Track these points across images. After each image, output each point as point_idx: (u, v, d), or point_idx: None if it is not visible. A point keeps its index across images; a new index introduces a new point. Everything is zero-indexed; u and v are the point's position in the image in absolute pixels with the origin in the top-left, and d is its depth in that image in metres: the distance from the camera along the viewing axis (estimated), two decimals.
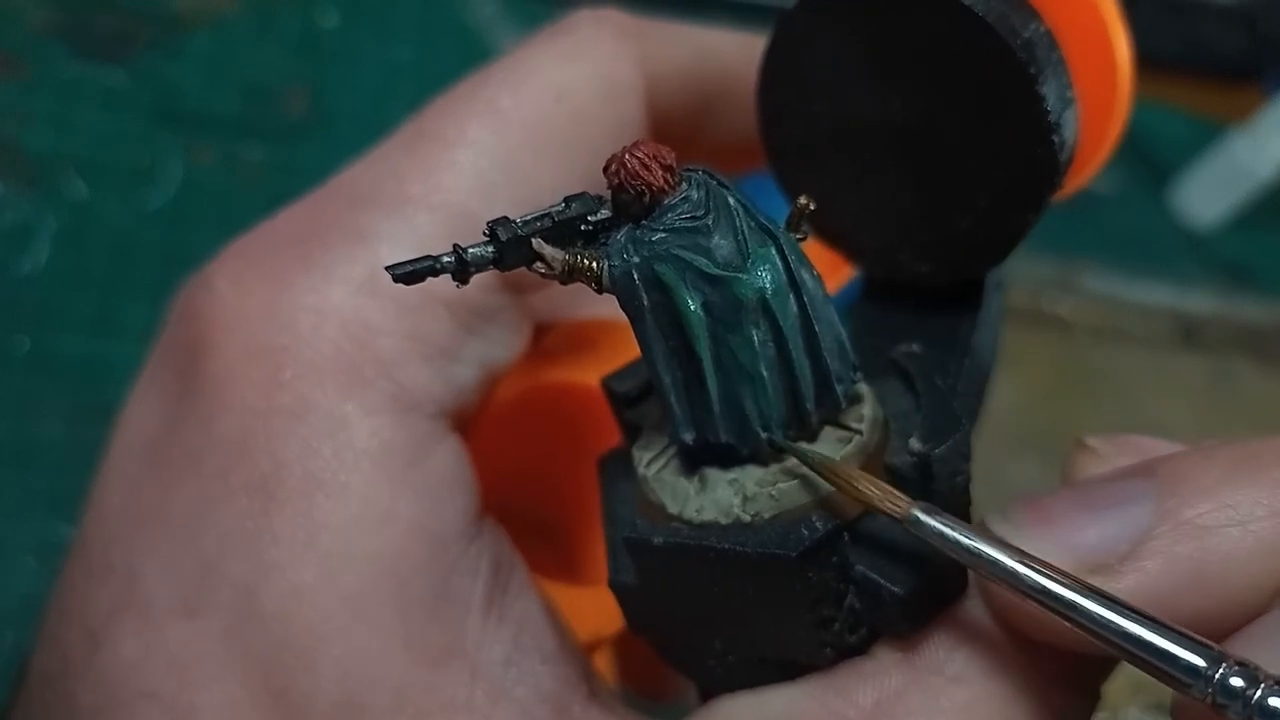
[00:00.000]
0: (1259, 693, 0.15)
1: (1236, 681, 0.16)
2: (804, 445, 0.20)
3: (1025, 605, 0.18)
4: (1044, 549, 0.18)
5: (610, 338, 0.30)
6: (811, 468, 0.19)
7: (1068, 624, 0.17)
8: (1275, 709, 0.15)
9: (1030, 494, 0.20)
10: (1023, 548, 0.18)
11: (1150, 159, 0.75)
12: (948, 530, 0.18)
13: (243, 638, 0.21)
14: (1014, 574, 0.17)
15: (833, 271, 0.26)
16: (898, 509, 0.18)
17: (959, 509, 0.20)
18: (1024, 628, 0.19)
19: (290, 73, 0.62)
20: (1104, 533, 0.18)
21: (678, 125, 0.28)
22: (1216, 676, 0.16)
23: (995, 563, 0.18)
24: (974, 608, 0.20)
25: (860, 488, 0.19)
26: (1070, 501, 0.19)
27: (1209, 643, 0.16)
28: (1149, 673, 0.17)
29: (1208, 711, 0.16)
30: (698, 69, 0.27)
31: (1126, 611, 0.17)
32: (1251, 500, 0.18)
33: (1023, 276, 0.67)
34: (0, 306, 0.51)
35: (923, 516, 0.18)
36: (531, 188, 0.24)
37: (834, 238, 0.25)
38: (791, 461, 0.20)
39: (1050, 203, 0.22)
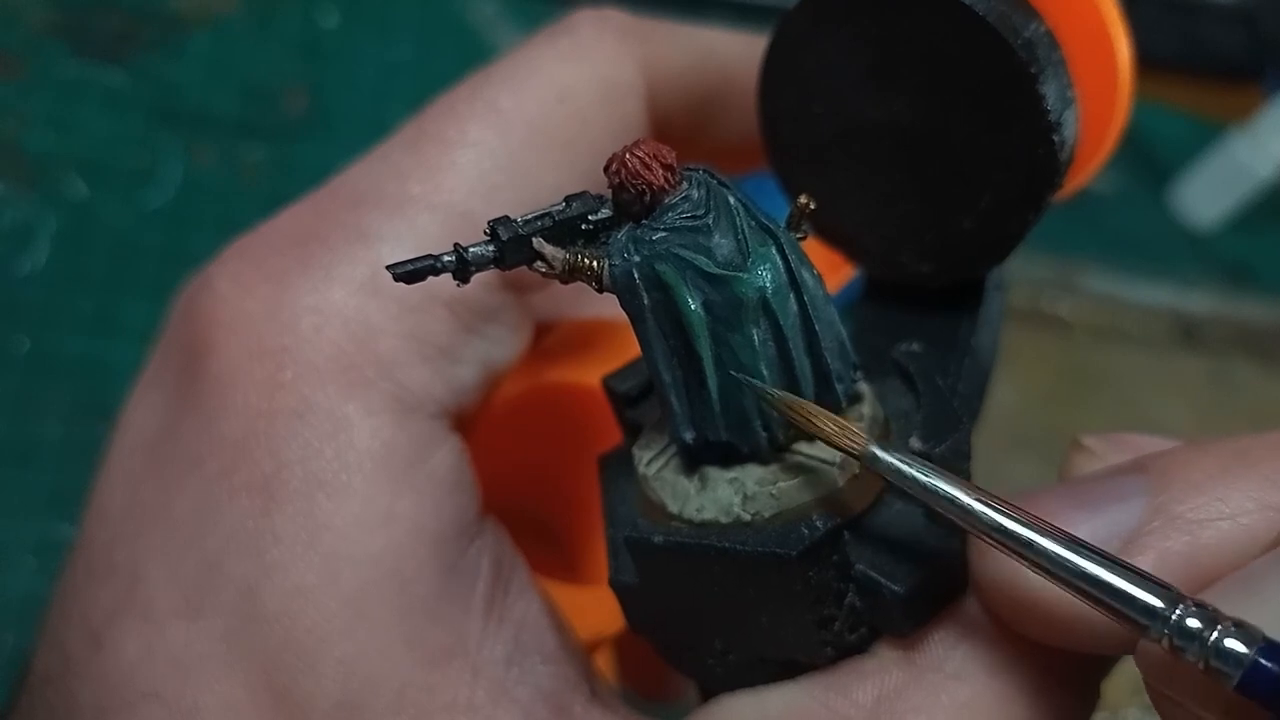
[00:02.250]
0: (1215, 634, 0.15)
1: (1194, 623, 0.15)
2: (759, 383, 0.20)
3: (1015, 592, 0.18)
4: None
5: (611, 337, 0.30)
6: (769, 402, 0.19)
7: (1026, 565, 0.17)
8: (1232, 650, 0.15)
9: (1024, 491, 0.20)
10: None
11: (1150, 159, 0.75)
12: (904, 466, 0.18)
13: (244, 638, 0.21)
14: (970, 510, 0.17)
15: (833, 271, 0.26)
16: (855, 445, 0.18)
17: None
18: (1018, 624, 0.19)
19: (290, 73, 0.62)
20: (1096, 529, 0.18)
21: (679, 125, 0.28)
22: (1174, 618, 0.16)
23: (951, 499, 0.17)
24: (974, 605, 0.20)
25: (817, 423, 0.19)
26: (1063, 498, 0.19)
27: (1167, 583, 0.16)
28: (1107, 614, 0.16)
29: (1167, 655, 0.16)
30: (699, 69, 0.27)
31: (1084, 550, 0.17)
32: (1242, 495, 0.18)
33: (1023, 276, 0.67)
34: (0, 306, 0.51)
35: (879, 452, 0.18)
36: (533, 188, 0.24)
37: (835, 238, 0.25)
38: (791, 460, 0.20)
39: (1050, 202, 0.22)
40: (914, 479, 0.18)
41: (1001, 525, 0.17)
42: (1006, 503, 0.17)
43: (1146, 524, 0.18)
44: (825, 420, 0.18)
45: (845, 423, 0.18)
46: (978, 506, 0.17)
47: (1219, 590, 0.17)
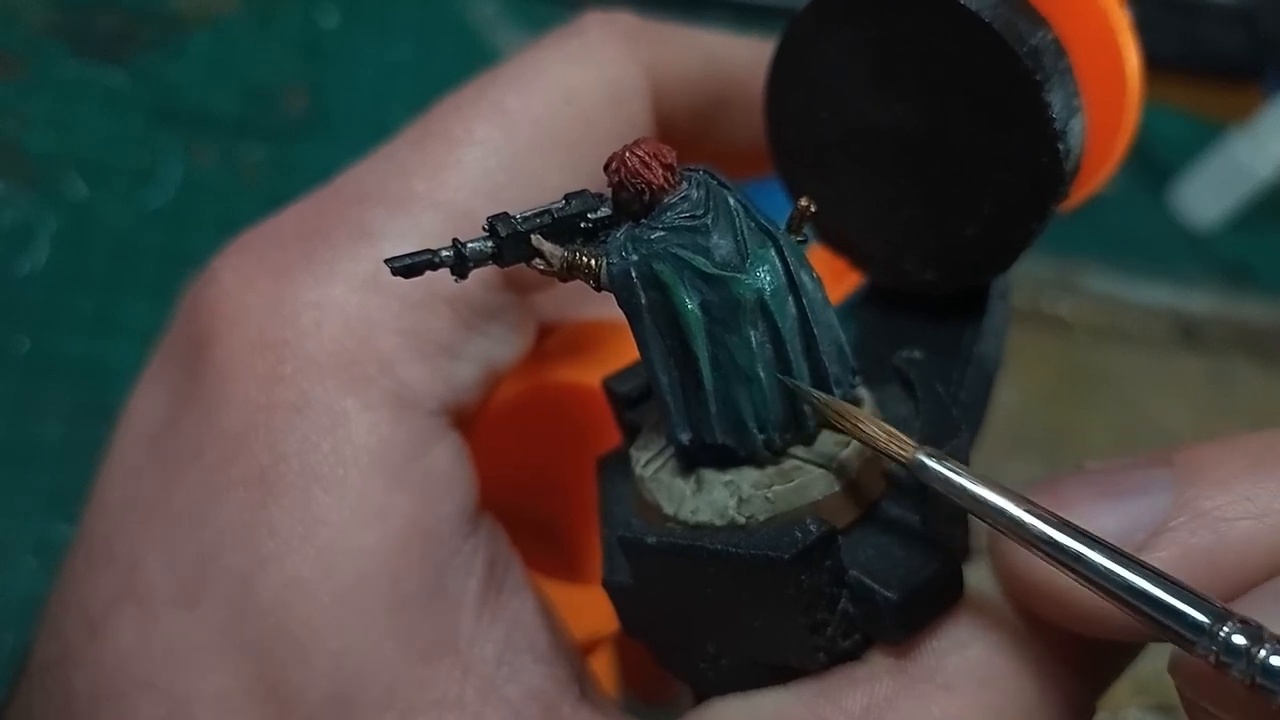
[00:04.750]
0: (1263, 652, 0.15)
1: (1240, 640, 0.15)
2: (803, 385, 0.19)
3: (1035, 574, 0.18)
4: None
5: (613, 339, 0.30)
6: (815, 407, 0.19)
7: (1072, 576, 0.17)
8: (1278, 668, 0.15)
9: (1048, 478, 0.20)
10: None
11: (1150, 159, 0.75)
12: (953, 475, 0.18)
13: (239, 629, 0.21)
14: (1019, 523, 0.17)
15: (839, 279, 0.26)
16: (903, 452, 0.18)
17: (955, 515, 0.19)
18: (1034, 603, 0.19)
19: (290, 73, 0.62)
20: (1121, 520, 0.18)
21: (685, 129, 0.28)
22: (1221, 634, 0.16)
23: (1000, 510, 0.17)
24: (969, 614, 0.20)
25: (865, 429, 0.18)
26: (1089, 487, 0.19)
27: (1214, 600, 0.16)
28: (1152, 627, 0.16)
29: (1209, 670, 0.16)
30: (706, 73, 0.27)
31: (1132, 564, 0.16)
32: (1270, 494, 0.18)
33: (1023, 276, 0.66)
34: (0, 306, 0.51)
35: (928, 460, 0.18)
36: (537, 188, 0.24)
37: (839, 243, 0.25)
38: (787, 464, 0.20)
39: (1055, 212, 0.22)
40: (962, 488, 0.18)
41: (1051, 538, 0.17)
42: (1056, 515, 0.17)
43: (1172, 518, 0.18)
44: (872, 425, 0.18)
45: (893, 430, 0.18)
46: (1028, 519, 0.17)
47: (1257, 601, 0.17)
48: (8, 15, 0.59)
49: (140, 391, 0.25)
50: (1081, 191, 0.24)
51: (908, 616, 0.19)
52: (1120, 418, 0.65)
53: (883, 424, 0.18)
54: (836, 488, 0.19)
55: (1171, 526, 0.18)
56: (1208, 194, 0.73)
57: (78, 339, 0.51)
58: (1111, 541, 0.17)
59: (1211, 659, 0.16)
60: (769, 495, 0.19)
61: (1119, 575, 0.16)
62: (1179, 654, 0.17)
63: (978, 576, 0.20)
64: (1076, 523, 0.18)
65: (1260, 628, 0.16)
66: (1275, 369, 0.69)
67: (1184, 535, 0.18)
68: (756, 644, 0.20)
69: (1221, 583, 0.17)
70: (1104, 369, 0.66)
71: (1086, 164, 0.23)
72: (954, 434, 0.20)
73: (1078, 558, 0.17)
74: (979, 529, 0.20)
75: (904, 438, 0.18)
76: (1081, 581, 0.17)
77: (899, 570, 0.19)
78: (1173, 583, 0.16)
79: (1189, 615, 0.16)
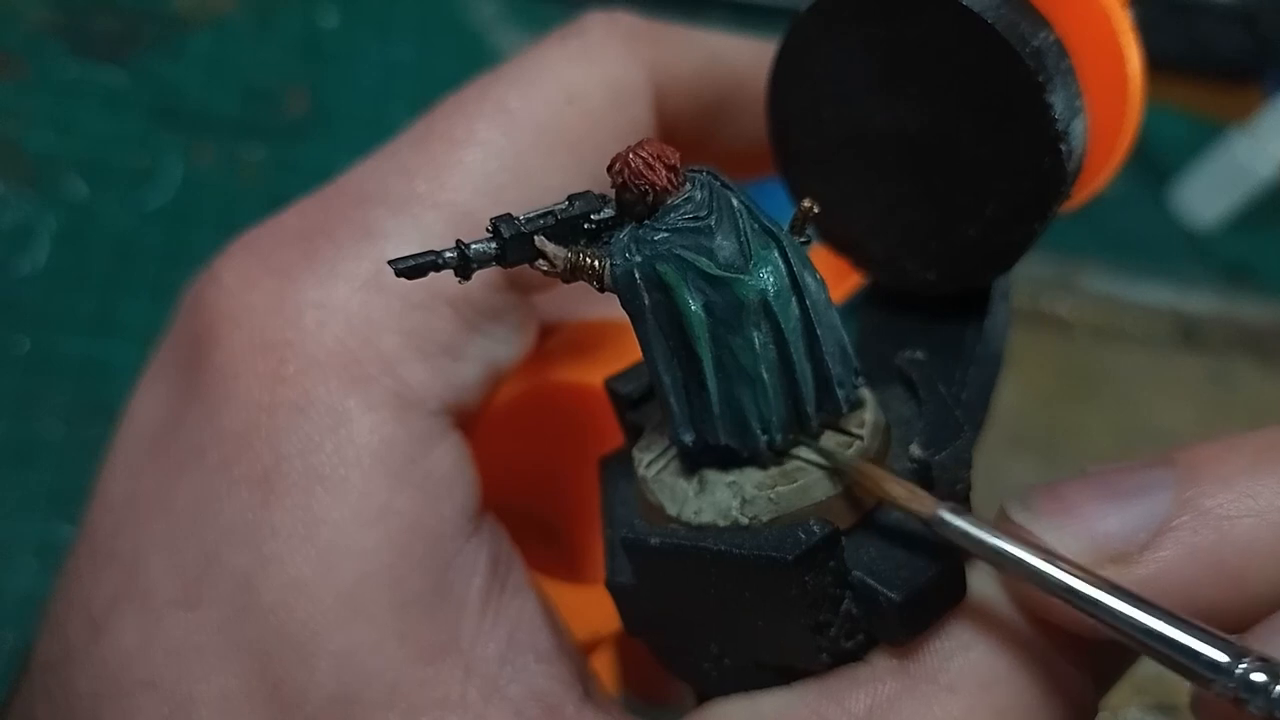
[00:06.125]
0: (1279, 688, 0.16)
1: (1258, 677, 0.16)
2: (829, 445, 0.20)
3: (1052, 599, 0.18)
4: (1063, 537, 0.18)
5: (616, 339, 0.30)
6: (837, 466, 0.19)
7: (1091, 619, 0.17)
8: None
9: (1050, 482, 0.20)
10: (1042, 535, 0.18)
11: (1150, 159, 0.75)
12: (973, 530, 0.18)
13: (241, 629, 0.21)
14: (1039, 573, 0.17)
15: (841, 279, 0.26)
16: (924, 508, 0.18)
17: None
18: (1043, 612, 0.19)
19: (290, 73, 0.62)
20: (1124, 522, 0.18)
21: (687, 129, 0.28)
22: (1238, 672, 0.16)
23: (1020, 562, 0.18)
24: (971, 616, 0.20)
25: (886, 486, 0.19)
26: (1091, 489, 0.19)
27: (1230, 638, 0.16)
28: (1171, 668, 0.17)
29: (1229, 706, 0.16)
30: (708, 73, 0.27)
31: (1150, 608, 0.17)
32: (1271, 491, 0.18)
33: (1023, 276, 0.66)
34: (0, 306, 0.51)
35: (948, 516, 0.18)
36: (539, 188, 0.24)
37: (840, 243, 0.25)
38: (791, 465, 0.20)
39: (1057, 213, 0.22)
40: (983, 542, 0.18)
41: (1070, 586, 0.17)
42: (1073, 563, 0.18)
43: (1174, 518, 0.18)
44: (893, 483, 0.19)
45: (914, 488, 0.19)
46: (1046, 568, 0.17)
47: (1271, 634, 0.17)
48: (8, 15, 0.59)
49: (141, 391, 0.25)
50: (1083, 192, 0.24)
51: (911, 617, 0.19)
52: (1120, 418, 0.65)
53: (904, 482, 0.19)
54: (839, 489, 0.19)
55: (1174, 526, 0.18)
56: (1208, 194, 0.73)
57: (78, 339, 0.51)
58: (1128, 587, 0.17)
59: (1230, 696, 0.16)
60: (772, 496, 0.19)
61: (1138, 620, 0.17)
62: (1199, 693, 0.17)
63: (980, 577, 0.20)
64: (1081, 526, 0.18)
65: (1277, 664, 0.16)
66: (1275, 369, 0.69)
67: (1186, 534, 0.18)
68: (760, 645, 0.20)
69: (1225, 581, 0.18)
70: (1104, 369, 0.66)
71: (1088, 165, 0.23)
72: (957, 435, 0.20)
73: (1096, 604, 0.17)
74: None
75: (924, 494, 0.18)
76: (1100, 624, 0.17)
77: (902, 571, 0.19)
78: (1189, 624, 0.16)
79: (1206, 655, 0.16)
